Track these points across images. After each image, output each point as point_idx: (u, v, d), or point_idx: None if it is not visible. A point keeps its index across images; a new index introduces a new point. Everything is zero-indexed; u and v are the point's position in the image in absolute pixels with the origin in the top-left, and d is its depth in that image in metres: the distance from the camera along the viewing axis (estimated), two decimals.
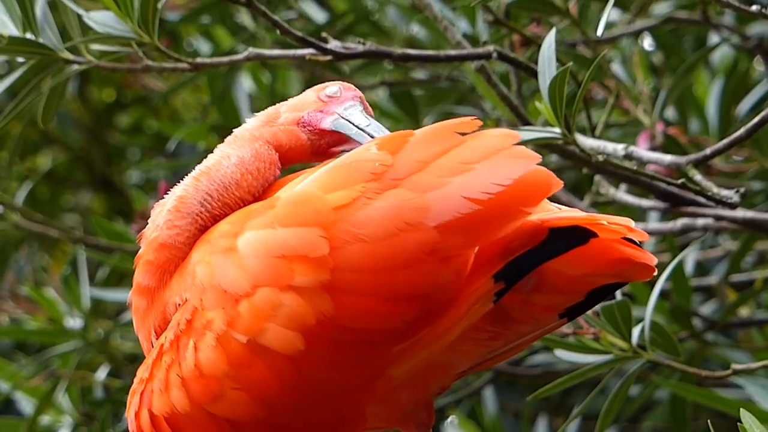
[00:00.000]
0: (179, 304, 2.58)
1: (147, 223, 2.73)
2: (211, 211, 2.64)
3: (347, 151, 2.73)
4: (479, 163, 2.44)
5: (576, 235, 2.45)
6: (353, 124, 2.75)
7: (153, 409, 2.54)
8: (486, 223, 2.43)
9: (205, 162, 2.71)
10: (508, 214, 2.44)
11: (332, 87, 2.79)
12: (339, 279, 2.42)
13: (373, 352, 2.46)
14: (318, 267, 2.42)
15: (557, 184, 2.45)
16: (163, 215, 2.65)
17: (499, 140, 2.48)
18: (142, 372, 2.60)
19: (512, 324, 2.56)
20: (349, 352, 2.45)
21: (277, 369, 2.45)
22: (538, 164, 2.44)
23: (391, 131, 2.69)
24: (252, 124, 2.79)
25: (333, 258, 2.42)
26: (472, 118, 2.53)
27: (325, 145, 2.78)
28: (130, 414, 2.59)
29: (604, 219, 2.47)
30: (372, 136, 2.71)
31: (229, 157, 2.69)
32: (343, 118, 2.76)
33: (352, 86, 2.82)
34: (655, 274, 2.51)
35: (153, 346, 2.64)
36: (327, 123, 2.76)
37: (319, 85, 2.82)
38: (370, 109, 2.80)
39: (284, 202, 2.51)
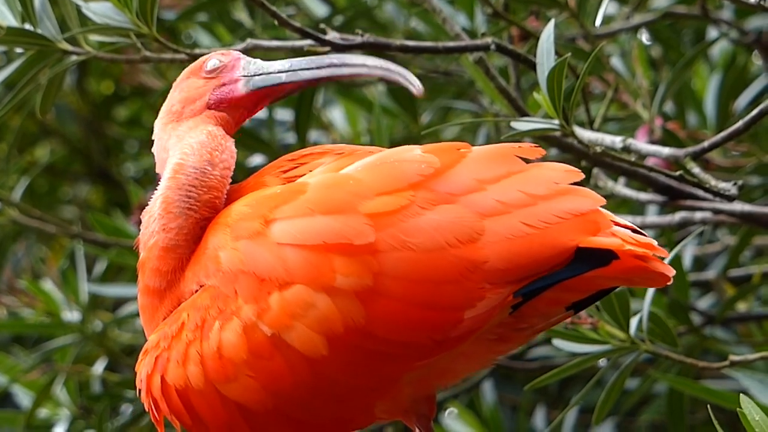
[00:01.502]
0: (197, 291, 2.58)
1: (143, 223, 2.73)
2: (199, 198, 2.64)
3: (274, 102, 2.76)
4: (541, 194, 2.46)
5: (601, 257, 2.45)
6: (275, 72, 2.73)
7: (166, 378, 2.56)
8: (535, 251, 2.43)
9: (168, 165, 2.70)
10: (558, 245, 2.44)
11: (210, 61, 2.77)
12: (380, 284, 2.43)
13: (395, 365, 2.48)
14: (362, 268, 2.43)
15: (607, 225, 2.47)
16: (156, 221, 2.65)
17: (562, 175, 2.50)
18: (159, 337, 2.60)
19: (520, 318, 2.56)
20: (370, 362, 2.47)
21: (294, 366, 2.47)
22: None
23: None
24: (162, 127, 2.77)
25: (378, 262, 2.43)
26: (534, 145, 2.56)
27: (245, 111, 2.76)
28: (141, 372, 2.61)
29: (632, 243, 2.45)
30: (305, 69, 2.69)
31: (191, 146, 2.68)
32: (254, 75, 2.74)
33: (225, 50, 2.81)
34: (669, 284, 2.51)
35: None
36: (242, 89, 2.74)
37: (191, 67, 2.80)
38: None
39: (318, 187, 2.51)
